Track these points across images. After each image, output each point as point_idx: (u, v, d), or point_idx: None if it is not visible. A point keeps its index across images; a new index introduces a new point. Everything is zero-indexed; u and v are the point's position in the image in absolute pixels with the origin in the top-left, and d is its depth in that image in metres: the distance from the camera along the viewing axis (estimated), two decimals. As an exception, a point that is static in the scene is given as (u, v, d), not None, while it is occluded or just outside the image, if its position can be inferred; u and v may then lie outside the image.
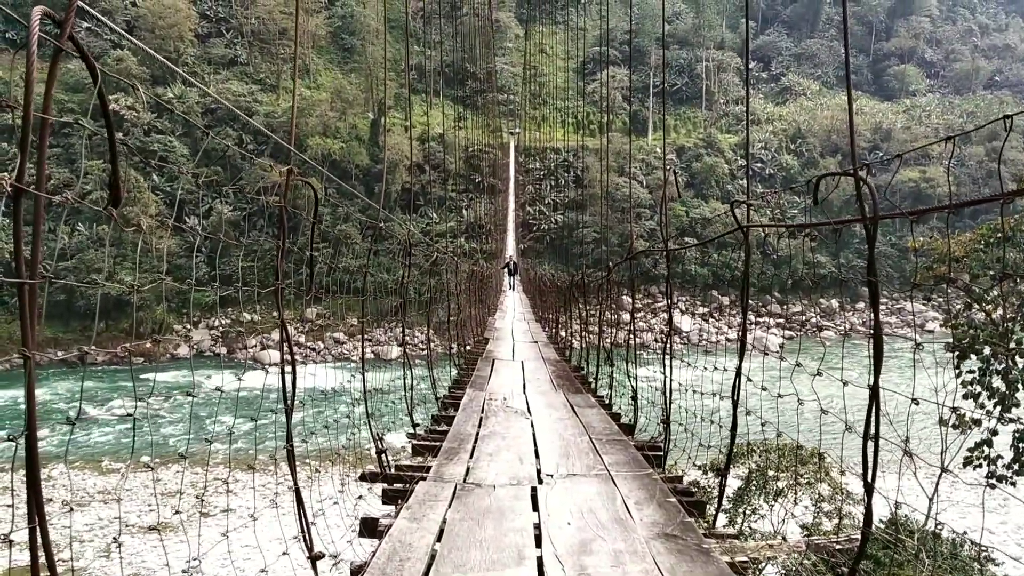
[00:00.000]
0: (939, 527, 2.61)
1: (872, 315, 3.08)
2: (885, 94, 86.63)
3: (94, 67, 2.07)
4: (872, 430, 3.07)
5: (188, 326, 49.28)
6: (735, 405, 4.83)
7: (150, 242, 48.19)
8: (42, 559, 1.98)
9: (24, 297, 1.91)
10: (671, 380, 6.43)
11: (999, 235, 13.45)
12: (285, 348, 4.11)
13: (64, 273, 45.31)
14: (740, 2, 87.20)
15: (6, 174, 1.81)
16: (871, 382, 3.02)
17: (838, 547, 5.32)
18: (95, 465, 26.51)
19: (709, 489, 11.56)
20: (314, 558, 3.78)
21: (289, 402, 3.93)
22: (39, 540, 1.97)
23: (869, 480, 3.09)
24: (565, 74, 75.37)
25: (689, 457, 6.14)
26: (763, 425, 4.39)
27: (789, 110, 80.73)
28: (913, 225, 3.48)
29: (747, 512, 12.45)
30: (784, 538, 5.15)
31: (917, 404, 2.91)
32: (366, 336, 7.46)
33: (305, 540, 3.74)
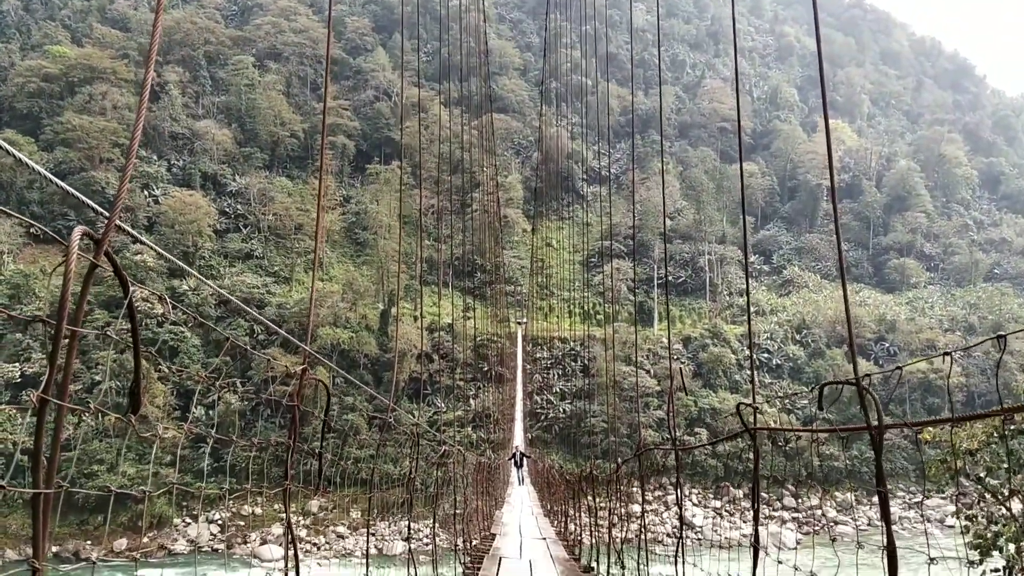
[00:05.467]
0: None
1: (883, 526, 3.04)
2: (887, 286, 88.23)
3: (126, 281, 2.19)
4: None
5: (188, 520, 48.06)
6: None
7: (155, 447, 47.88)
8: None
9: (39, 506, 1.91)
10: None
11: (1011, 427, 13.31)
12: (289, 545, 4.02)
13: (67, 464, 44.71)
14: (739, 199, 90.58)
15: (34, 392, 1.86)
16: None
17: None
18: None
19: None
20: None
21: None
22: None
23: None
24: (571, 266, 77.43)
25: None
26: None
27: (792, 301, 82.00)
28: (926, 412, 3.47)
29: None
30: None
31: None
32: (370, 532, 7.30)
33: None
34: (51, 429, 2.06)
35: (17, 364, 49.60)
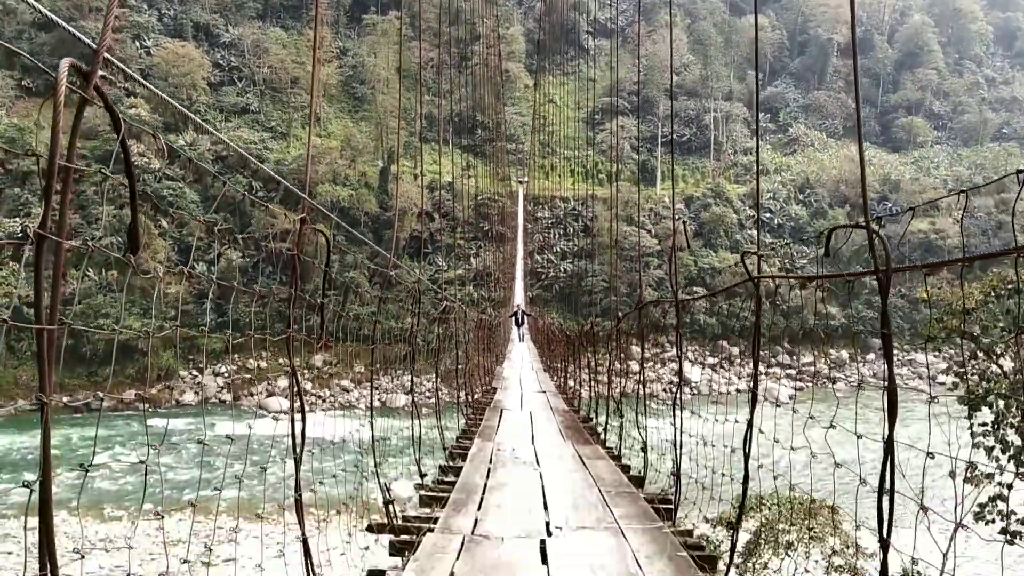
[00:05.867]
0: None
1: (885, 367, 3.06)
2: (893, 145, 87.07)
3: (118, 118, 2.10)
4: (887, 485, 3.03)
5: (195, 372, 49.23)
6: (747, 457, 4.78)
7: (158, 288, 48.49)
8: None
9: (43, 343, 1.90)
10: (681, 431, 6.38)
11: (1009, 286, 13.40)
12: (295, 396, 4.08)
13: (72, 318, 45.43)
14: (748, 54, 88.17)
15: (31, 222, 1.81)
16: (885, 436, 2.99)
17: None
18: (97, 513, 26.31)
19: (719, 542, 11.38)
20: (322, 612, 3.73)
21: (298, 451, 3.90)
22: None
23: (885, 535, 3.04)
24: (574, 124, 76.08)
25: (700, 510, 6.05)
26: (775, 478, 4.33)
27: (797, 160, 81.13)
28: (925, 276, 3.45)
29: (757, 568, 12.24)
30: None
31: (932, 458, 2.88)
32: (373, 385, 7.45)
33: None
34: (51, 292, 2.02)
35: (17, 219, 49.55)
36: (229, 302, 40.52)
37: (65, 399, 43.10)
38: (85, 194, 49.62)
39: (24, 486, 1.92)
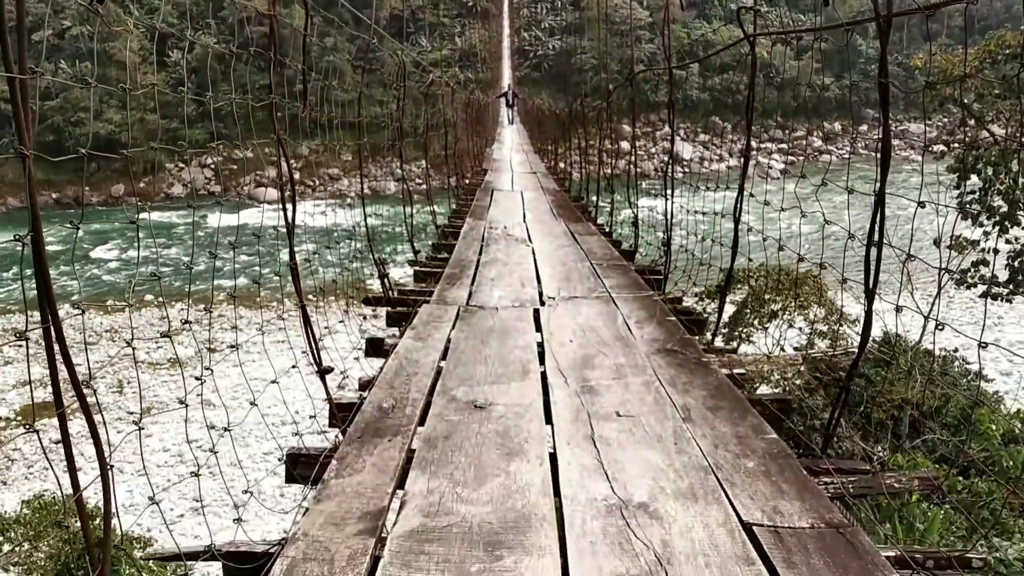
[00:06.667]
0: (940, 327, 2.62)
1: (881, 117, 2.99)
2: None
3: None
4: (876, 237, 3.05)
5: (181, 164, 48.73)
6: (736, 222, 4.81)
7: (135, 78, 46.99)
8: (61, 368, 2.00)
9: (15, 92, 1.82)
10: (672, 201, 6.40)
11: (1006, 51, 13.05)
12: (281, 156, 3.99)
13: (51, 113, 44.48)
14: None
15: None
16: (876, 189, 2.98)
17: (834, 359, 5.47)
18: (100, 304, 26.93)
19: (708, 314, 11.73)
20: (323, 372, 3.87)
21: (290, 219, 3.88)
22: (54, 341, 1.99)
23: (871, 286, 3.10)
24: None
25: (689, 277, 6.19)
26: (764, 239, 4.38)
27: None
28: (927, 18, 3.27)
29: (743, 336, 12.69)
30: (782, 348, 5.27)
31: (923, 207, 2.89)
32: (362, 168, 7.38)
33: (313, 355, 3.81)
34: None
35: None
36: (208, 90, 39.25)
37: (54, 195, 42.97)
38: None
39: (15, 239, 1.90)
